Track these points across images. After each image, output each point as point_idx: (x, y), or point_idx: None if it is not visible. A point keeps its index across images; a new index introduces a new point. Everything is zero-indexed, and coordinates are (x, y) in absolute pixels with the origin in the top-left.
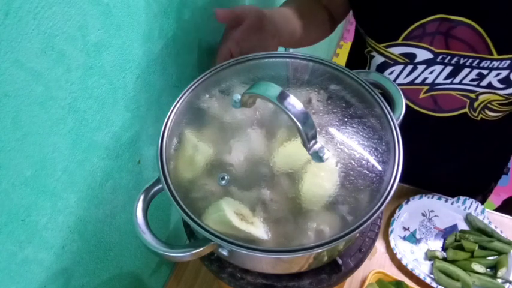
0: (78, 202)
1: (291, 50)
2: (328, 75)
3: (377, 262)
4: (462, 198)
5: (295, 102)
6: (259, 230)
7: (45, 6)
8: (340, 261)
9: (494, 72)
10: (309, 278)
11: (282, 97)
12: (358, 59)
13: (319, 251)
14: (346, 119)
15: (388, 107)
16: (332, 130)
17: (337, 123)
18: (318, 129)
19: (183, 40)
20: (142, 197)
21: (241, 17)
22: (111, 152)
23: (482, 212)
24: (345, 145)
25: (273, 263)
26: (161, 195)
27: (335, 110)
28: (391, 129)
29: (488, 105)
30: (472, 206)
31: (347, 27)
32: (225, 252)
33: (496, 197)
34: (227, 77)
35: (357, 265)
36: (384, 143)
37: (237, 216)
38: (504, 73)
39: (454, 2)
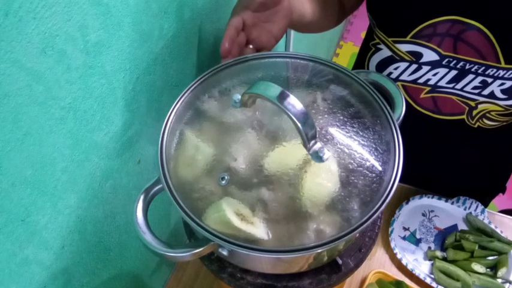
0: (78, 202)
1: (291, 48)
2: (328, 76)
3: (377, 262)
4: (462, 198)
5: (295, 102)
6: (259, 230)
7: (45, 6)
8: (340, 261)
9: (498, 82)
10: (309, 278)
11: (282, 97)
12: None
13: (319, 251)
14: (346, 119)
15: (388, 107)
16: (332, 130)
17: (337, 123)
18: (318, 129)
19: (183, 40)
20: (142, 197)
21: None
22: (111, 152)
23: (482, 212)
24: (345, 145)
25: (273, 263)
26: (161, 195)
27: (335, 110)
28: (391, 129)
29: (487, 114)
30: (472, 206)
31: (347, 28)
32: (225, 252)
33: (497, 197)
34: (227, 77)
35: (357, 265)
36: (384, 143)
37: (237, 216)
38: (508, 83)
39: (469, 5)
